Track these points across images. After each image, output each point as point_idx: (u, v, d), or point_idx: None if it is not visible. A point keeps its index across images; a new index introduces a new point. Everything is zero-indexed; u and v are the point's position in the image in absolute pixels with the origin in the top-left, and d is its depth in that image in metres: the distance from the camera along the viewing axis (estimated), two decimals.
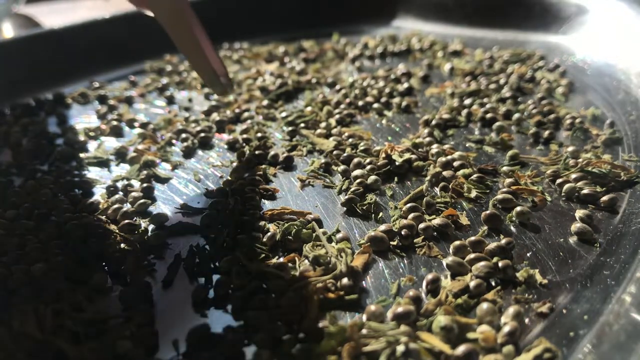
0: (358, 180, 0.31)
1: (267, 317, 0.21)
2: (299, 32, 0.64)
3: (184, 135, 0.38)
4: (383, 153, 0.33)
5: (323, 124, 0.39)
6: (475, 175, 0.30)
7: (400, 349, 0.19)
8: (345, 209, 0.29)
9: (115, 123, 0.41)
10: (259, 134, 0.38)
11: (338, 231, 0.27)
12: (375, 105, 0.42)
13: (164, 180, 0.33)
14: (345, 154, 0.34)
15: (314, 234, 0.26)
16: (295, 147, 0.36)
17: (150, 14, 0.34)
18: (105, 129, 0.41)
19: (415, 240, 0.26)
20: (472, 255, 0.24)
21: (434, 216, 0.27)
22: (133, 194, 0.31)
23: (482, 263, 0.23)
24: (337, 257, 0.24)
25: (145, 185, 0.32)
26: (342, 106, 0.42)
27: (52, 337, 0.20)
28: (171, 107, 0.46)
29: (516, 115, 0.38)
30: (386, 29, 0.66)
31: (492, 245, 0.24)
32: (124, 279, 0.24)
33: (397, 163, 0.32)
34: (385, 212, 0.29)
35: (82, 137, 0.40)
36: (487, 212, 0.27)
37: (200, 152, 0.37)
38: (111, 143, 0.39)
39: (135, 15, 0.60)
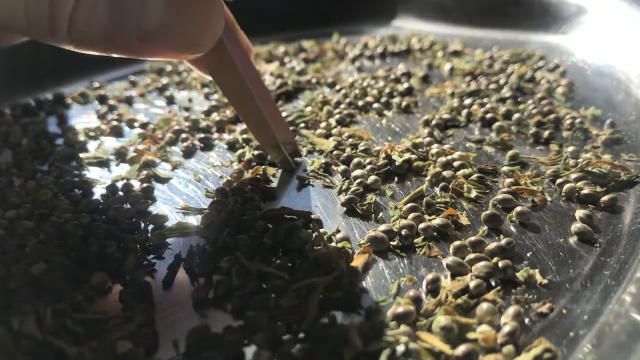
0: (358, 180, 0.30)
1: (267, 317, 0.21)
2: (299, 32, 0.64)
3: (184, 135, 0.38)
4: (383, 153, 0.33)
5: (323, 124, 0.39)
6: (475, 175, 0.30)
7: (400, 349, 0.18)
8: (345, 209, 0.29)
9: (115, 123, 0.41)
10: None
11: (338, 231, 0.27)
12: (375, 105, 0.42)
13: (164, 180, 0.33)
14: (345, 154, 0.34)
15: (314, 234, 0.26)
16: None
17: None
18: (105, 129, 0.41)
19: (415, 240, 0.26)
20: (472, 255, 0.24)
21: (434, 216, 0.27)
22: (133, 194, 0.31)
23: (482, 263, 0.23)
24: (337, 257, 0.24)
25: (145, 185, 0.32)
26: (342, 106, 0.42)
27: (52, 337, 0.20)
28: (171, 107, 0.46)
29: (516, 115, 0.38)
30: (386, 29, 0.66)
31: (492, 245, 0.24)
32: (124, 279, 0.24)
33: (397, 163, 0.32)
34: (385, 212, 0.29)
35: (82, 137, 0.40)
36: (487, 212, 0.27)
37: (200, 152, 0.37)
38: (111, 143, 0.39)
39: None
